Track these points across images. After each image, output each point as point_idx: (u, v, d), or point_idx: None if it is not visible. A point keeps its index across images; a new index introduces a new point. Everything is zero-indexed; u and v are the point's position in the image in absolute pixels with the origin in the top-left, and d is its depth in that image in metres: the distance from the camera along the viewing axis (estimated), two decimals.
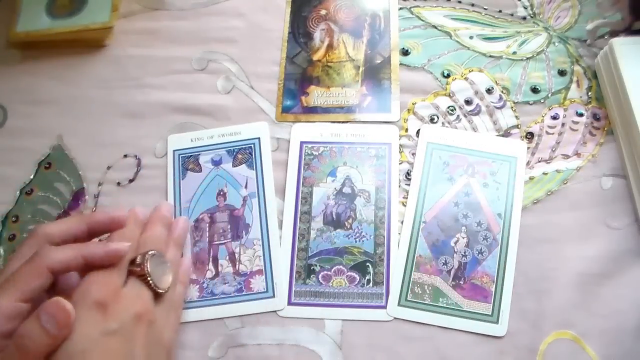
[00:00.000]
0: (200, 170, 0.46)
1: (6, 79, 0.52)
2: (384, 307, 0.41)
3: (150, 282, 0.35)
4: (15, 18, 0.53)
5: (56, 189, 0.47)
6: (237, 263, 0.43)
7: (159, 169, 0.47)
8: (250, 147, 0.47)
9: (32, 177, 0.48)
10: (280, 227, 0.44)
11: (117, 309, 0.33)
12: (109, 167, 0.48)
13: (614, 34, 0.49)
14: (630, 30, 0.49)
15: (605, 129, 0.47)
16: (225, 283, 0.42)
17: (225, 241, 0.44)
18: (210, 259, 0.43)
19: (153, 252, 0.36)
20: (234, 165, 0.46)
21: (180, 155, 0.47)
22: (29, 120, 0.50)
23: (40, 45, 0.53)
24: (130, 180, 0.47)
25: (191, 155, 0.47)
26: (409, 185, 0.45)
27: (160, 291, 0.36)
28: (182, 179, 0.46)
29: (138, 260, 0.35)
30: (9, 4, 0.55)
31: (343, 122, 0.48)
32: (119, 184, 0.47)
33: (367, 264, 0.42)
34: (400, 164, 0.46)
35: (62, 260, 0.33)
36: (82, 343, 0.31)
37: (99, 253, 0.34)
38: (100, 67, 0.53)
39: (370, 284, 0.42)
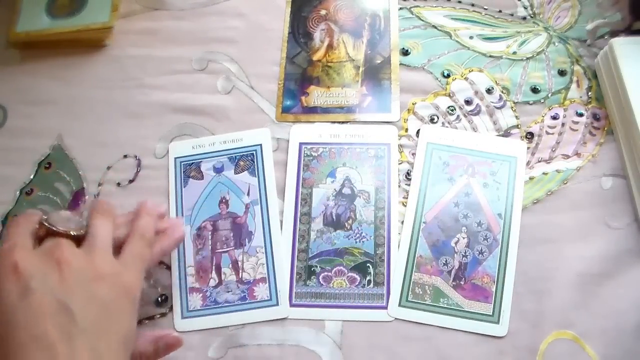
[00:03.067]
0: (202, 178, 0.46)
1: (6, 79, 0.52)
2: (385, 307, 0.41)
3: (52, 228, 0.34)
4: (15, 18, 0.53)
5: (56, 189, 0.47)
6: (240, 271, 0.43)
7: (159, 169, 0.47)
8: (252, 154, 0.46)
9: (32, 177, 0.48)
10: (281, 228, 0.44)
11: (27, 268, 0.32)
12: (108, 168, 0.48)
13: (614, 34, 0.49)
14: (630, 30, 0.49)
15: (605, 129, 0.47)
16: (228, 291, 0.42)
17: (228, 249, 0.43)
18: (213, 267, 0.43)
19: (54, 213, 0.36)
20: (236, 173, 0.46)
21: (182, 163, 0.47)
22: (29, 120, 0.50)
23: (40, 45, 0.53)
24: (130, 181, 0.47)
25: (192, 163, 0.47)
26: (409, 185, 0.45)
27: (73, 233, 0.34)
28: (184, 187, 0.46)
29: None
30: (9, 4, 0.55)
31: (343, 122, 0.48)
32: (118, 184, 0.47)
33: (368, 264, 0.42)
34: (400, 164, 0.46)
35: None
36: (4, 313, 0.30)
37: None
38: (100, 67, 0.53)
39: (371, 285, 0.42)
